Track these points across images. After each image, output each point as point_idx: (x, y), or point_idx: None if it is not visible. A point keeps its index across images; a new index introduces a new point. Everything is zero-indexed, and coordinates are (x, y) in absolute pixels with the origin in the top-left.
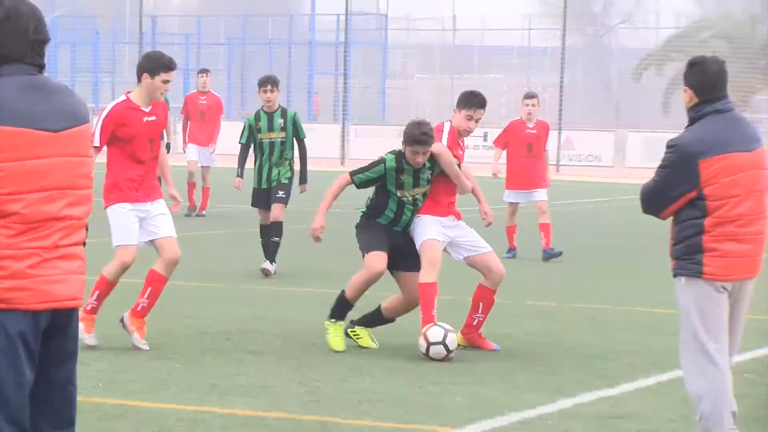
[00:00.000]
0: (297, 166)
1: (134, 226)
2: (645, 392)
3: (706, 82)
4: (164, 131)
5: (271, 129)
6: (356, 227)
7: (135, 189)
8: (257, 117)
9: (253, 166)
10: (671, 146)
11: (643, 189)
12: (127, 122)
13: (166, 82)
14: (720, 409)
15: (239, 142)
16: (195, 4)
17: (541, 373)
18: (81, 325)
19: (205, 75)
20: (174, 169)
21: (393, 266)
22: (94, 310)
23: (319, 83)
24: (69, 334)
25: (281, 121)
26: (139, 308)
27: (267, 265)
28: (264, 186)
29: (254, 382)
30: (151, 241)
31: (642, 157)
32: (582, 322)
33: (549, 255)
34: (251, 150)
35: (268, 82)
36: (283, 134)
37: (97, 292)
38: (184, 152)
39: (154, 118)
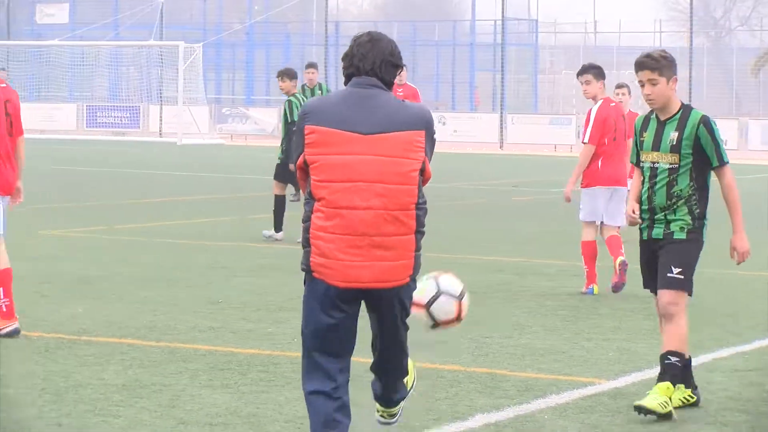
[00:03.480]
0: None
1: None
2: None
3: None
4: None
5: None
6: None
7: None
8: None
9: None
10: None
11: None
12: None
13: None
14: None
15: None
16: (372, 12)
17: None
18: None
19: (402, 68)
20: None
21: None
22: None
23: (479, 78)
24: (390, 309)
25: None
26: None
27: (271, 233)
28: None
29: (431, 338)
30: None
31: (762, 142)
32: (710, 285)
33: None
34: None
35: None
36: None
37: None
38: None
39: None
